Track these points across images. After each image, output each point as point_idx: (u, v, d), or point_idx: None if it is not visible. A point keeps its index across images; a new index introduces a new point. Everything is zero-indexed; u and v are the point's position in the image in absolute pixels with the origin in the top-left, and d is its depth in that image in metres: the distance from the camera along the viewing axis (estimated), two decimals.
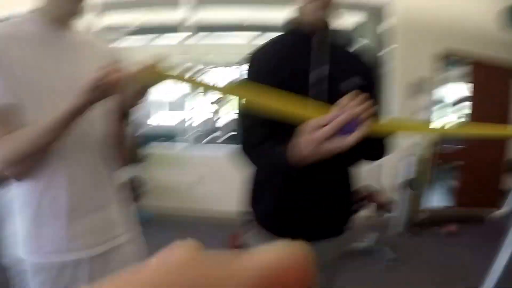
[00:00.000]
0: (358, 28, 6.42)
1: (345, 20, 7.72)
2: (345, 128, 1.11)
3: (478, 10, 5.69)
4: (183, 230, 4.72)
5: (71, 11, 1.32)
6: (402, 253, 4.19)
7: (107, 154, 1.46)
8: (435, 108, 5.72)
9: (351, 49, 1.64)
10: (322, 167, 1.31)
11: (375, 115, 1.19)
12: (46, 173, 1.30)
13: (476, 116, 5.80)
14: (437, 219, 5.20)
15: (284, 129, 1.26)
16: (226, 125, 8.61)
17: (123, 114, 1.40)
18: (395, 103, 5.41)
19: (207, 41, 7.83)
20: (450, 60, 5.74)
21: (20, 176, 1.29)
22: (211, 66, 9.43)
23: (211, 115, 9.00)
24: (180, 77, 1.26)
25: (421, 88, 5.38)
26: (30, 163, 1.26)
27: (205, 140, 7.49)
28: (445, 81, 6.17)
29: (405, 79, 5.46)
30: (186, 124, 6.02)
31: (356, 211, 3.38)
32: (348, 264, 2.17)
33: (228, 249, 3.52)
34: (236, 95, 1.47)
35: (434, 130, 2.72)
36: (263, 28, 8.43)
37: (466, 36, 5.58)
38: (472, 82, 5.84)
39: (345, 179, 1.69)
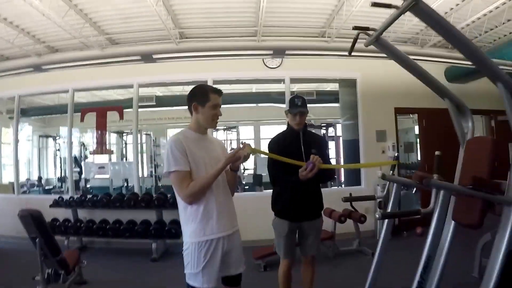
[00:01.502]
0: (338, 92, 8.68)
1: (327, 86, 10.09)
2: (312, 168, 3.20)
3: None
4: None
5: (206, 129, 2.94)
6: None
7: (227, 187, 2.97)
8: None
9: (313, 135, 3.95)
10: (306, 184, 3.36)
11: (323, 162, 3.29)
12: (204, 200, 2.73)
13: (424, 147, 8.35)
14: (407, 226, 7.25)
15: (290, 168, 3.32)
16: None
17: (235, 170, 2.98)
18: (365, 145, 7.79)
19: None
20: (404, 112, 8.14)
21: (192, 202, 2.72)
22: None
23: None
24: (257, 150, 3.41)
25: (383, 134, 7.63)
26: (199, 195, 2.69)
27: None
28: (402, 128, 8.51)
29: (372, 128, 7.81)
30: None
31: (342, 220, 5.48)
32: (341, 261, 4.03)
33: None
34: (268, 155, 3.49)
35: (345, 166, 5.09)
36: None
37: (418, 93, 7.82)
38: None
39: (318, 191, 3.76)
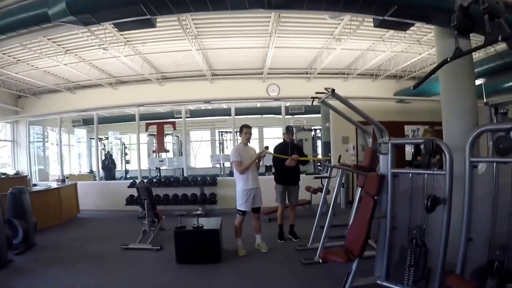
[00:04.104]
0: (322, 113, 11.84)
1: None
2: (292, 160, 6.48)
3: (379, 93, 11.30)
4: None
5: (246, 142, 6.25)
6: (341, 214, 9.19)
7: (255, 168, 6.23)
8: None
9: (297, 144, 7.38)
10: (292, 168, 6.65)
11: (300, 156, 6.60)
12: (246, 173, 6.05)
13: None
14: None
15: (283, 160, 6.60)
16: None
17: (259, 161, 6.28)
18: (334, 145, 10.83)
19: None
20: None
21: (242, 173, 6.03)
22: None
23: None
24: (269, 152, 6.77)
25: (347, 139, 10.82)
26: (245, 171, 6.02)
27: None
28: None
29: (339, 134, 10.88)
30: None
31: (315, 192, 8.66)
32: (314, 218, 7.00)
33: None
34: (273, 155, 6.80)
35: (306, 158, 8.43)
36: None
37: (371, 110, 11.00)
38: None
39: (297, 171, 6.94)
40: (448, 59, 2.76)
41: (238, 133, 6.39)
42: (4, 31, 5.52)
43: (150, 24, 5.24)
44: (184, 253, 5.78)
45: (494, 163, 3.49)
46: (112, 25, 6.79)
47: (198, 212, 6.35)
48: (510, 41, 2.46)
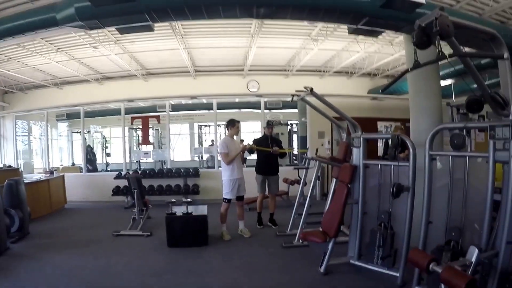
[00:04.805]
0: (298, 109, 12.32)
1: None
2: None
3: (354, 90, 11.85)
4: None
5: (233, 136, 6.73)
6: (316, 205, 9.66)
7: (240, 159, 6.83)
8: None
9: (275, 137, 7.73)
10: (273, 157, 7.23)
11: (279, 148, 7.15)
12: (232, 163, 6.44)
13: None
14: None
15: (265, 152, 7.12)
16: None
17: (243, 153, 7.08)
18: (311, 140, 11.27)
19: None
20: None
21: (229, 164, 6.42)
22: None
23: None
24: (252, 146, 7.12)
25: (322, 134, 11.33)
26: (231, 162, 6.41)
27: None
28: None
29: (315, 129, 11.35)
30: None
31: (292, 184, 9.13)
32: (291, 208, 7.36)
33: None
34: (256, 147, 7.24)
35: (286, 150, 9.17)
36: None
37: (347, 106, 11.52)
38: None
39: (276, 162, 7.47)
40: (409, 69, 3.25)
41: (229, 127, 6.69)
42: (13, 33, 5.83)
43: (149, 28, 5.67)
44: (174, 238, 6.19)
45: (450, 157, 3.99)
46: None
47: (188, 200, 6.78)
48: (461, 57, 2.96)
